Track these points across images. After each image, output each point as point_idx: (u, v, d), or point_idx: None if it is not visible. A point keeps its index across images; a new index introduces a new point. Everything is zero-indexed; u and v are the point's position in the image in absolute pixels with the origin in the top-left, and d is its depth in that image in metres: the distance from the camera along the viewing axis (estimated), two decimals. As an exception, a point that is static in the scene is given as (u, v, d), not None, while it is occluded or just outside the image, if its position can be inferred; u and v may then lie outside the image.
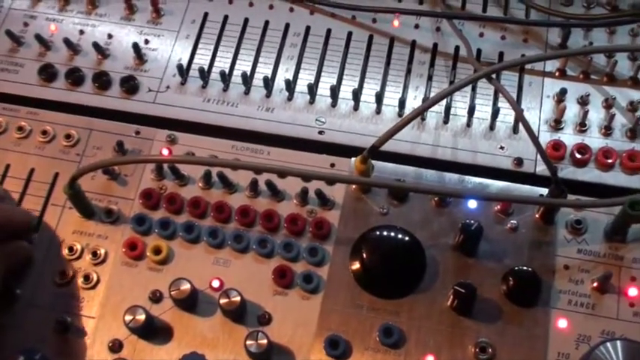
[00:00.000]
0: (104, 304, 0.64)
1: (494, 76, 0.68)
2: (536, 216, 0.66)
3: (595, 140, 0.70)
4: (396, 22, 0.77)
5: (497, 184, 0.68)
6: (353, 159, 0.68)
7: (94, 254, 0.66)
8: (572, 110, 0.72)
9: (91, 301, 0.64)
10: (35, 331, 0.63)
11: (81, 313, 0.64)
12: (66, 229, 0.67)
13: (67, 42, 0.75)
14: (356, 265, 0.64)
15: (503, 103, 0.71)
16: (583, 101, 0.72)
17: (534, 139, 0.62)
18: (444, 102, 0.71)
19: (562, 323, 0.62)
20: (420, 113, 0.62)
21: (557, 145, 0.69)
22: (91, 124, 0.72)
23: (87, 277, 0.65)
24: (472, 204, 0.67)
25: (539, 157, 0.69)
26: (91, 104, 0.74)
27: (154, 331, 0.63)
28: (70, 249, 0.66)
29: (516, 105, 0.61)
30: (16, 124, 0.71)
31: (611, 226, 0.64)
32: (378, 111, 0.72)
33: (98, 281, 0.65)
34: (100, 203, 0.68)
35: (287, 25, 0.77)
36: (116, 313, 0.63)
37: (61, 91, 0.75)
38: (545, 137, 0.70)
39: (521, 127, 0.70)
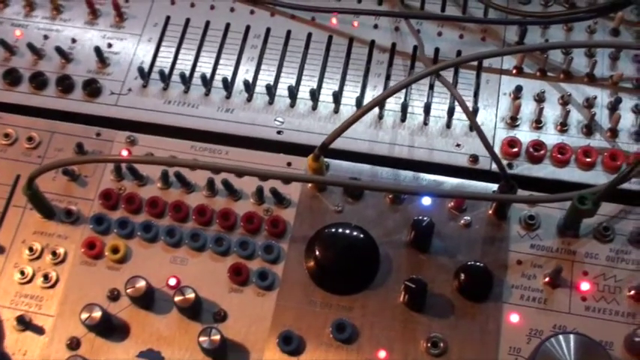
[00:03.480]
0: (63, 302, 0.65)
1: (452, 74, 0.69)
2: (490, 212, 0.66)
3: (551, 137, 0.71)
4: (355, 23, 0.78)
5: (451, 181, 0.69)
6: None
7: (54, 254, 0.67)
8: (528, 107, 0.72)
9: (50, 299, 0.65)
10: (-6, 330, 0.64)
11: (40, 312, 0.65)
12: (27, 230, 0.68)
13: (31, 47, 0.76)
14: (310, 262, 0.65)
15: (460, 101, 0.72)
16: (539, 98, 0.72)
17: (480, 133, 0.62)
18: (400, 101, 0.72)
19: (514, 318, 0.63)
20: (367, 111, 0.63)
21: (513, 142, 0.70)
22: (52, 127, 0.73)
23: (46, 277, 0.66)
24: (426, 201, 0.67)
25: (495, 153, 0.70)
26: (54, 107, 0.75)
27: (111, 329, 0.63)
28: (30, 249, 0.67)
29: (463, 100, 0.62)
30: (-23, 129, 0.73)
31: (564, 221, 0.65)
32: (336, 110, 0.73)
33: (57, 280, 0.66)
34: (60, 204, 0.69)
35: (247, 27, 0.78)
36: (74, 312, 0.63)
37: (25, 94, 0.76)
38: (502, 134, 0.71)
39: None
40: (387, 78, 0.75)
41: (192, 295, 0.62)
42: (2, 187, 0.70)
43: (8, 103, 0.75)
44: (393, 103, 0.73)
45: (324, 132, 0.72)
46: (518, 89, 0.72)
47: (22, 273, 0.66)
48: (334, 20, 0.78)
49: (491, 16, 0.78)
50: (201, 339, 0.61)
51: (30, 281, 0.66)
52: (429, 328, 0.62)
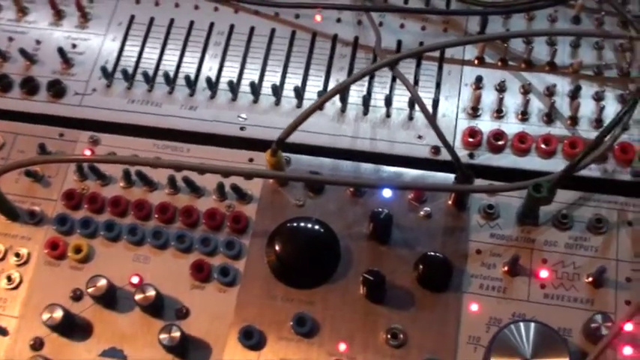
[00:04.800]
0: (26, 303, 0.65)
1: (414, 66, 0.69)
2: (449, 203, 0.67)
3: (512, 126, 0.71)
4: (318, 17, 0.78)
5: (411, 173, 0.69)
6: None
7: (17, 255, 0.67)
8: (489, 97, 0.72)
9: (13, 301, 0.65)
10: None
11: (4, 313, 0.65)
12: (-10, 232, 0.69)
13: (-5, 50, 0.77)
14: (271, 257, 0.65)
15: (422, 93, 0.71)
16: (500, 88, 0.72)
17: (432, 122, 0.62)
18: (362, 93, 0.72)
19: (473, 307, 0.63)
20: (320, 105, 0.63)
21: (474, 133, 0.70)
22: (16, 129, 0.73)
23: (9, 278, 0.66)
24: (386, 193, 0.67)
25: (456, 144, 0.70)
26: (19, 109, 0.75)
27: (73, 329, 0.64)
28: (-6, 251, 0.68)
29: (415, 91, 0.62)
30: (-57, 133, 0.73)
31: (522, 209, 0.65)
32: (299, 105, 0.73)
33: (21, 282, 0.66)
34: (24, 205, 0.69)
35: (211, 24, 0.78)
36: (37, 312, 0.63)
37: (-11, 97, 0.76)
38: (463, 125, 0.71)
39: (439, 116, 0.72)
40: (350, 72, 0.75)
41: (152, 293, 0.63)
42: (-33, 189, 0.70)
43: (-28, 107, 0.76)
44: (355, 97, 0.73)
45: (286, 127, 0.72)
46: (479, 79, 0.72)
47: (-14, 275, 0.67)
48: (297, 15, 0.78)
49: (453, 7, 0.78)
50: (162, 336, 0.61)
51: (-6, 283, 0.67)
52: (389, 319, 0.63)
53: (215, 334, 0.63)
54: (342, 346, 0.62)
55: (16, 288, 0.66)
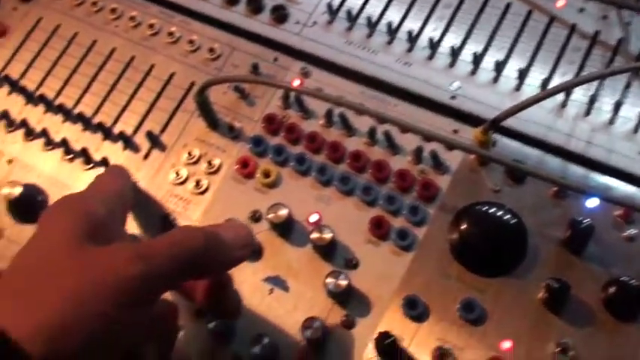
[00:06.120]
0: (207, 211, 0.67)
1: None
2: (659, 230, 0.61)
3: None
4: (560, 2, 0.73)
5: (624, 188, 0.63)
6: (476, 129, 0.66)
7: (209, 163, 0.68)
8: None
9: (196, 205, 0.67)
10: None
11: (184, 213, 0.67)
12: (190, 135, 0.70)
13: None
14: (454, 234, 0.62)
15: (657, 108, 0.66)
16: None
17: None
18: (589, 93, 0.67)
19: (658, 347, 0.58)
20: (551, 95, 0.59)
21: None
22: (234, 43, 0.74)
23: (198, 183, 0.68)
24: (592, 203, 0.63)
25: (682, 171, 0.64)
26: (241, 25, 0.76)
27: (246, 247, 0.65)
28: (189, 154, 0.69)
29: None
30: (168, 29, 0.76)
31: None
32: (518, 88, 0.69)
33: (207, 189, 0.68)
34: (226, 118, 0.70)
35: (445, -14, 0.76)
36: (215, 222, 0.65)
37: (216, 7, 0.77)
38: None
39: (669, 137, 0.66)
40: (580, 67, 0.69)
41: (329, 236, 0.62)
42: (177, 89, 0.72)
43: (199, 12, 0.77)
44: (580, 94, 0.68)
45: (500, 107, 0.68)
46: None
47: (177, 174, 0.69)
48: (537, -5, 0.74)
49: None
50: (328, 280, 0.61)
51: (182, 183, 0.68)
52: (562, 332, 0.58)
53: (378, 294, 0.62)
54: (507, 344, 0.59)
55: (201, 194, 0.68)
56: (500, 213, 0.62)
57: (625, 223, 0.62)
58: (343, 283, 0.60)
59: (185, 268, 0.50)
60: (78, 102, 0.74)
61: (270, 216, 0.64)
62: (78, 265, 0.47)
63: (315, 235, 0.62)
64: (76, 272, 0.46)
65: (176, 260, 0.48)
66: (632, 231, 0.61)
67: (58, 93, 0.74)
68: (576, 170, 0.65)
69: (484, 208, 0.63)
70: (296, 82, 0.71)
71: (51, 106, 0.73)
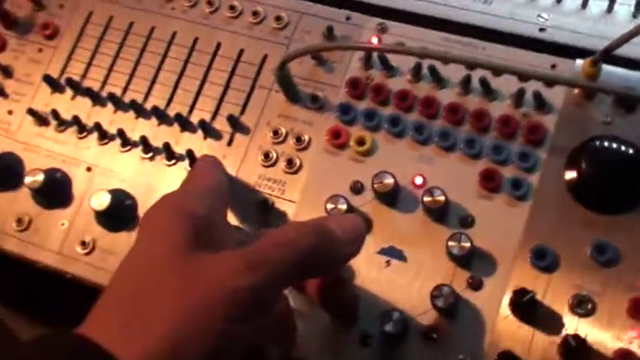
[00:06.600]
0: (305, 189, 0.64)
1: None
2: None
3: None
4: None
5: None
6: (578, 61, 0.62)
7: (298, 139, 0.65)
8: None
9: (292, 185, 0.64)
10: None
11: (282, 197, 0.65)
12: (271, 112, 0.67)
13: None
14: (571, 175, 0.59)
15: None
16: None
17: None
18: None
19: None
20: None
21: None
22: (302, 8, 0.70)
23: (290, 162, 0.65)
24: None
25: None
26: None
27: (353, 222, 0.62)
28: (275, 132, 0.66)
29: None
30: (228, 3, 0.71)
31: None
32: (610, 10, 0.65)
33: (301, 166, 0.65)
34: (306, 89, 0.67)
35: None
36: (316, 201, 0.62)
37: (275, -28, 0.73)
38: None
39: None
40: (674, -23, 0.65)
41: (442, 198, 0.60)
42: (248, 66, 0.69)
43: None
44: (677, 5, 0.64)
45: (593, 33, 0.64)
46: None
47: (267, 156, 0.66)
48: None
49: None
50: (451, 244, 0.58)
51: (274, 165, 0.65)
52: (703, 263, 0.56)
53: (502, 249, 0.59)
54: (647, 282, 0.57)
55: (295, 172, 0.65)
56: (616, 145, 0.59)
57: None
58: (467, 245, 0.58)
59: (296, 273, 0.47)
60: (147, 95, 0.70)
61: (377, 186, 0.61)
62: (184, 281, 0.44)
63: (427, 199, 0.60)
64: (183, 289, 0.44)
65: (286, 265, 0.46)
66: None
67: (125, 88, 0.71)
68: (691, 90, 0.61)
69: (599, 143, 0.60)
70: (374, 40, 0.67)
71: (120, 104, 0.70)
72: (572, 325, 0.56)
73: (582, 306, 0.56)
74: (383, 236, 0.62)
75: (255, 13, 0.70)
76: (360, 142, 0.64)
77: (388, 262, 0.61)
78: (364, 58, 0.66)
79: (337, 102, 0.66)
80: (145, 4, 0.74)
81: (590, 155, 0.59)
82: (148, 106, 0.69)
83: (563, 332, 0.56)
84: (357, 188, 0.63)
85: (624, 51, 0.62)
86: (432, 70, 0.64)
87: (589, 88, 0.61)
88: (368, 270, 0.61)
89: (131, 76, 0.71)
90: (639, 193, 0.58)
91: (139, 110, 0.70)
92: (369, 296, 0.60)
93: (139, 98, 0.70)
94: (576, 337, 0.54)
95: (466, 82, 0.64)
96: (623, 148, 0.59)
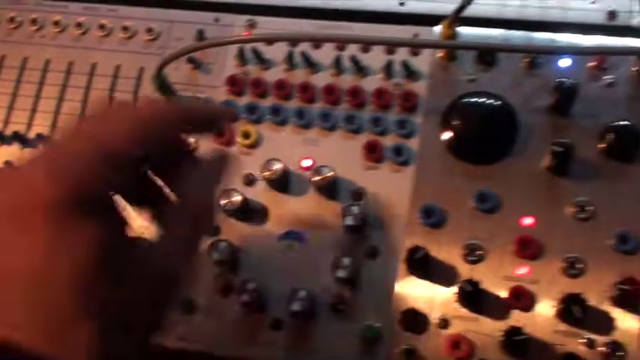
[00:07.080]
0: (200, 189, 0.65)
1: None
2: (634, 69, 0.62)
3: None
4: None
5: (589, 40, 0.64)
6: (437, 27, 0.66)
7: (186, 143, 0.67)
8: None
9: (187, 187, 0.66)
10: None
11: (179, 200, 0.66)
12: (158, 122, 0.68)
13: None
14: (447, 134, 0.63)
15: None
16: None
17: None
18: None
19: (667, 177, 0.60)
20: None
21: (656, -7, 0.65)
22: (170, 16, 0.72)
23: (182, 166, 0.66)
24: (564, 62, 0.64)
25: (634, 7, 0.65)
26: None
27: (249, 213, 0.64)
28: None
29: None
30: (97, 23, 0.72)
31: None
32: (458, -24, 0.69)
33: (193, 169, 0.66)
34: (188, 93, 0.68)
35: None
36: (212, 197, 0.64)
37: (136, -15, 0.74)
38: (642, -14, 0.66)
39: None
40: (511, -64, 0.70)
41: (330, 174, 0.62)
42: (127, 80, 0.70)
43: (121, -6, 0.74)
44: (519, -37, 0.68)
45: (448, 0, 0.68)
46: None
47: (158, 163, 0.67)
48: None
49: None
50: (344, 217, 0.60)
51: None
52: (575, 192, 0.60)
53: (393, 213, 0.62)
54: (528, 220, 0.60)
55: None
56: (483, 99, 0.63)
57: (600, 71, 0.63)
58: (357, 213, 0.60)
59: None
60: (30, 125, 0.70)
61: (266, 174, 0.63)
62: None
63: (316, 178, 0.62)
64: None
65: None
66: (609, 77, 0.63)
67: (6, 122, 0.71)
68: (540, 37, 0.65)
69: (467, 100, 0.63)
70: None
71: (2, 138, 0.70)
72: (467, 273, 0.59)
73: (473, 254, 0.60)
74: (281, 222, 0.64)
75: (125, 29, 0.71)
76: (246, 135, 0.66)
77: (290, 246, 0.63)
78: (239, 55, 0.68)
79: (219, 101, 0.68)
80: (15, 36, 0.73)
81: (460, 112, 0.63)
82: (32, 135, 0.69)
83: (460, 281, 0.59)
84: (249, 180, 0.65)
85: (476, 11, 0.67)
86: (305, 56, 0.67)
87: (451, 48, 0.64)
88: (274, 257, 0.63)
89: (10, 108, 0.71)
90: (509, 141, 0.62)
91: (24, 141, 0.69)
92: (279, 282, 0.62)
93: (22, 129, 0.70)
94: (470, 281, 0.57)
95: (338, 63, 0.66)
96: (489, 101, 0.63)
